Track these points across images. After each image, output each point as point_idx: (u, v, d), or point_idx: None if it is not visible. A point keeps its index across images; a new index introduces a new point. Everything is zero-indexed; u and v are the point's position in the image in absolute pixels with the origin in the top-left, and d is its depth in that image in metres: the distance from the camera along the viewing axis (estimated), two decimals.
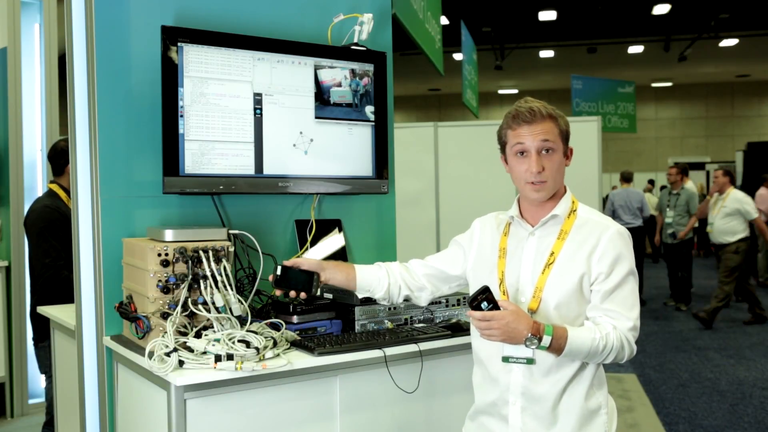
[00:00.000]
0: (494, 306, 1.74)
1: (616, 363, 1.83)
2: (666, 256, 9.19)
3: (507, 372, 1.88)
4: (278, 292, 2.05)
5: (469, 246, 2.05)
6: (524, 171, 1.86)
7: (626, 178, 9.79)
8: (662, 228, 8.91)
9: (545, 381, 1.84)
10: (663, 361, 6.35)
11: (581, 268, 1.82)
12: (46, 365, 3.60)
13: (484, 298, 1.74)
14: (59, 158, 3.64)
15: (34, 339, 3.66)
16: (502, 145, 1.94)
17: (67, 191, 3.55)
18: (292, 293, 2.03)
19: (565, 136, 1.89)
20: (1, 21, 4.75)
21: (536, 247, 1.89)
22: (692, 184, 10.29)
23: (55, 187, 3.63)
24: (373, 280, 2.09)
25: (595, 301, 1.82)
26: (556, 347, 1.75)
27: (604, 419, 1.87)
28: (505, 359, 1.86)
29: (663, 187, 13.01)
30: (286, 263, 2.05)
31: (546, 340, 1.73)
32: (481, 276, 1.97)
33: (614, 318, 1.80)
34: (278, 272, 2.04)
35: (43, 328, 3.49)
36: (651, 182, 17.43)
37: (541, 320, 1.81)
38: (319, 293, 2.03)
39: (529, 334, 1.72)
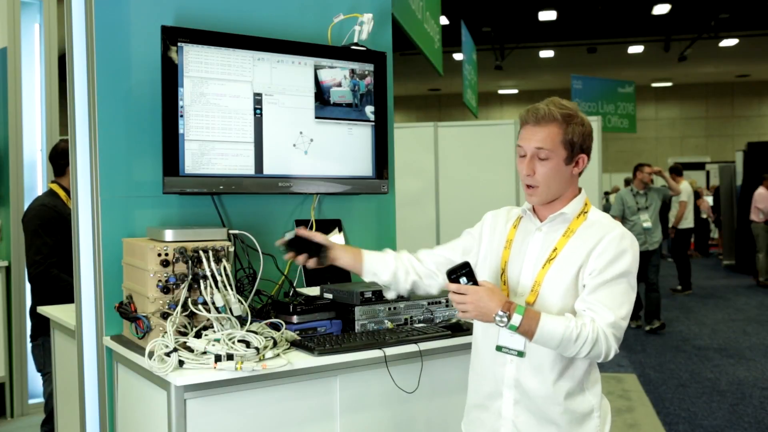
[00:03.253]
0: (474, 283, 1.74)
1: (595, 360, 1.78)
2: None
3: (501, 364, 1.88)
4: (288, 255, 2.06)
5: (480, 237, 2.05)
6: (521, 171, 1.88)
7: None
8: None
9: (535, 377, 1.83)
10: (663, 361, 6.35)
11: (579, 262, 1.81)
12: (40, 363, 3.62)
13: (463, 273, 1.74)
14: (60, 158, 3.65)
15: (30, 336, 3.68)
16: None
17: (67, 191, 3.55)
18: (302, 257, 2.04)
19: (570, 143, 1.84)
20: (1, 21, 4.74)
21: (541, 243, 1.89)
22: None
23: (55, 187, 3.63)
24: (379, 263, 2.09)
25: (583, 293, 1.79)
26: (527, 329, 1.71)
27: (597, 423, 1.86)
28: (499, 348, 1.86)
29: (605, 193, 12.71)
30: (299, 232, 2.06)
31: (516, 318, 1.70)
32: (488, 266, 1.98)
33: (596, 311, 1.75)
34: (288, 236, 2.04)
35: (38, 325, 3.49)
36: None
37: None
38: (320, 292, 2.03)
39: (500, 311, 1.70)
